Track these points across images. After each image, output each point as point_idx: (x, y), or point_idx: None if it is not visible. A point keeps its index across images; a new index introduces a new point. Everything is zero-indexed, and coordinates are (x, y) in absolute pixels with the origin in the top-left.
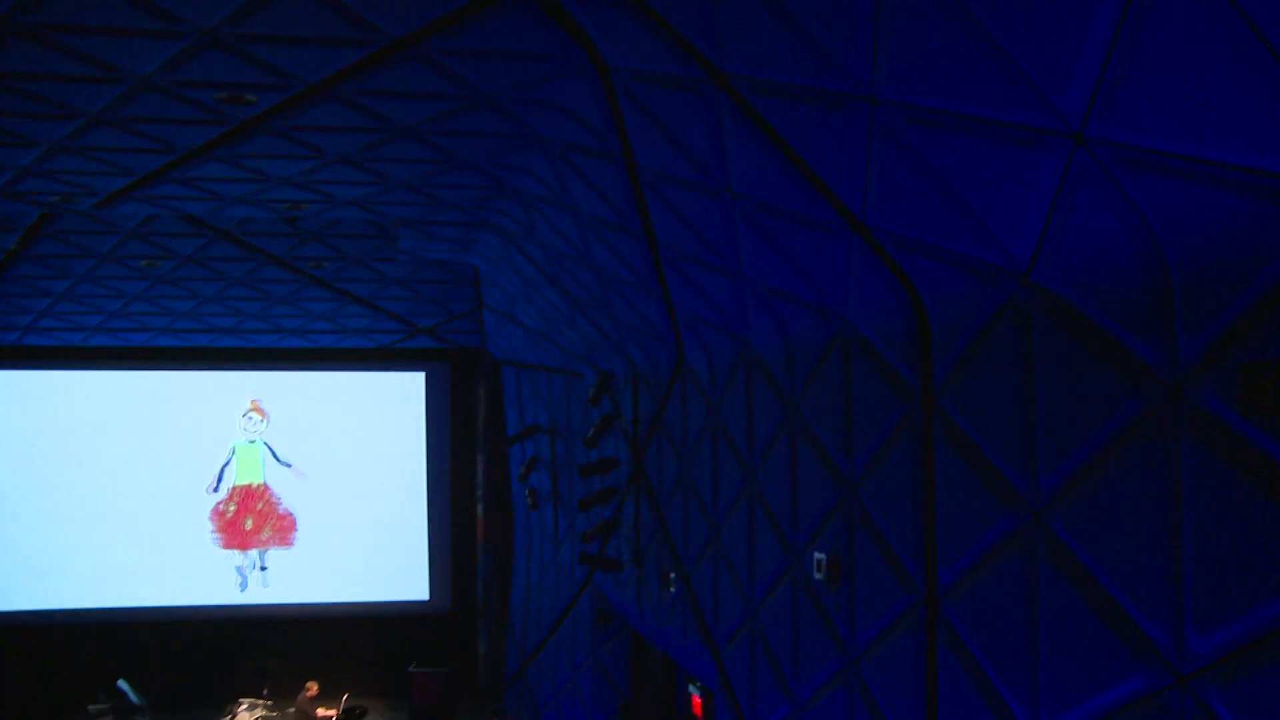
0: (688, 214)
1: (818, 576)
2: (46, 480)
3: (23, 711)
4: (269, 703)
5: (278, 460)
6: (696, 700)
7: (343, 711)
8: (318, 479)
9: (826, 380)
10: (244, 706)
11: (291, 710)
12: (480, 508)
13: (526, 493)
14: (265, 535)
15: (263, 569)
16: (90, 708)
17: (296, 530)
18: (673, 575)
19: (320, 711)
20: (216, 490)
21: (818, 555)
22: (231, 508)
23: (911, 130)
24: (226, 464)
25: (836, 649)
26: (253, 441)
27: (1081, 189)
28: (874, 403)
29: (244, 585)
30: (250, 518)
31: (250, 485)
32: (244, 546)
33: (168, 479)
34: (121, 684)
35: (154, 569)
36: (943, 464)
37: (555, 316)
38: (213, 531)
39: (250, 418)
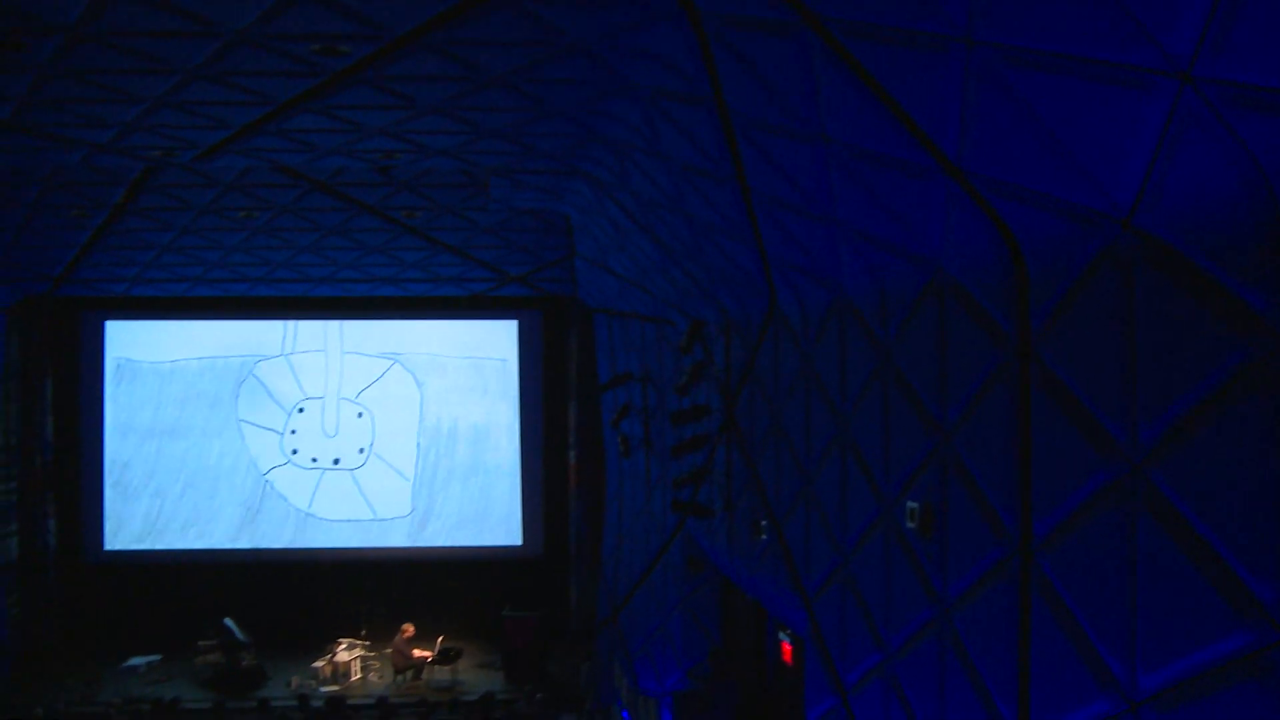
0: (781, 160)
1: (910, 526)
2: (155, 426)
3: (139, 646)
4: (367, 643)
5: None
6: (786, 648)
7: (438, 653)
8: (414, 427)
9: (921, 328)
10: (343, 646)
11: (388, 651)
12: (573, 455)
13: (619, 440)
14: None
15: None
16: (200, 643)
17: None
18: (764, 523)
19: (416, 652)
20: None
21: (910, 504)
22: None
23: (1010, 72)
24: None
25: (928, 599)
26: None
27: (1189, 130)
28: (969, 350)
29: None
30: None
31: None
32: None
33: (269, 425)
34: (228, 622)
35: (256, 512)
36: (1039, 413)
37: (647, 264)
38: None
39: None
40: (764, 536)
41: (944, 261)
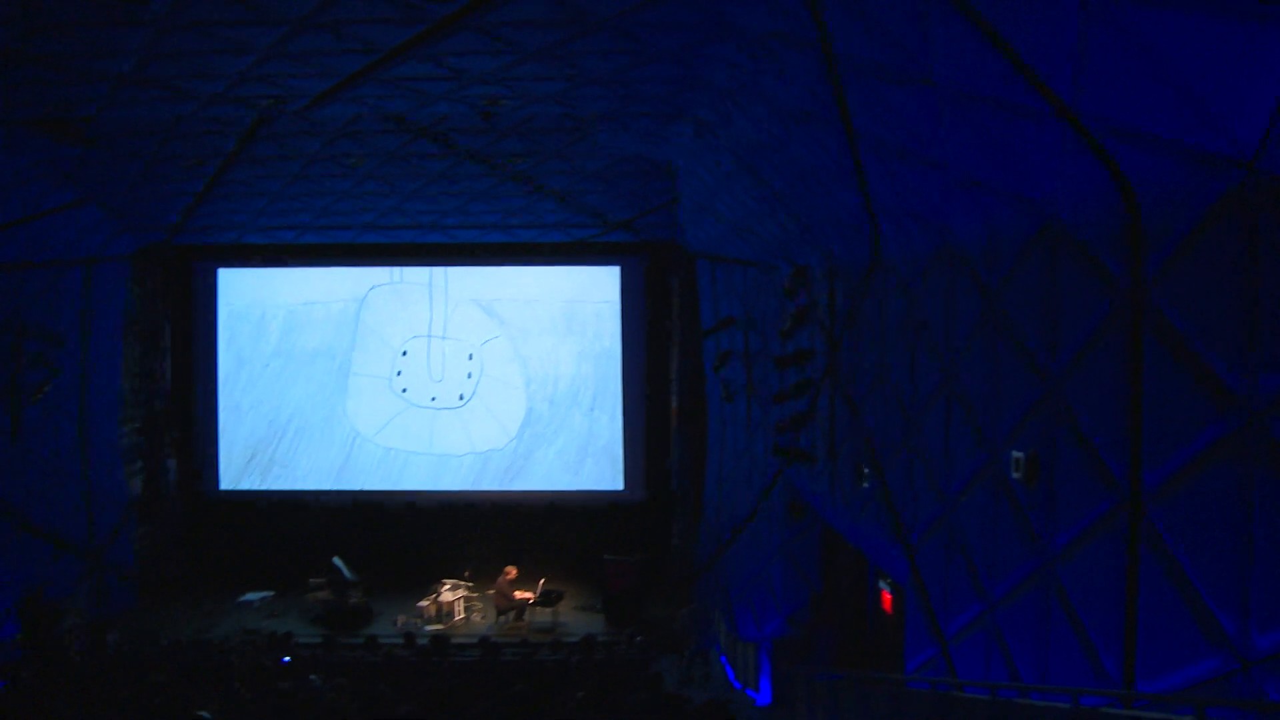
0: (888, 103)
1: (1016, 475)
2: (266, 370)
3: (254, 582)
4: (470, 584)
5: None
6: (887, 596)
7: (539, 595)
8: (516, 371)
9: (1030, 274)
10: (447, 586)
11: (491, 592)
12: (674, 400)
13: (721, 385)
14: None
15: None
16: (311, 581)
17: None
18: (866, 469)
19: (518, 594)
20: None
21: (1016, 454)
22: None
23: (1128, 8)
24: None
25: (1033, 549)
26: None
27: None
28: (1080, 297)
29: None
30: None
31: None
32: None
33: (376, 369)
34: (336, 561)
35: (364, 454)
36: (1152, 362)
37: (751, 209)
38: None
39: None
40: (866, 483)
41: (1055, 207)
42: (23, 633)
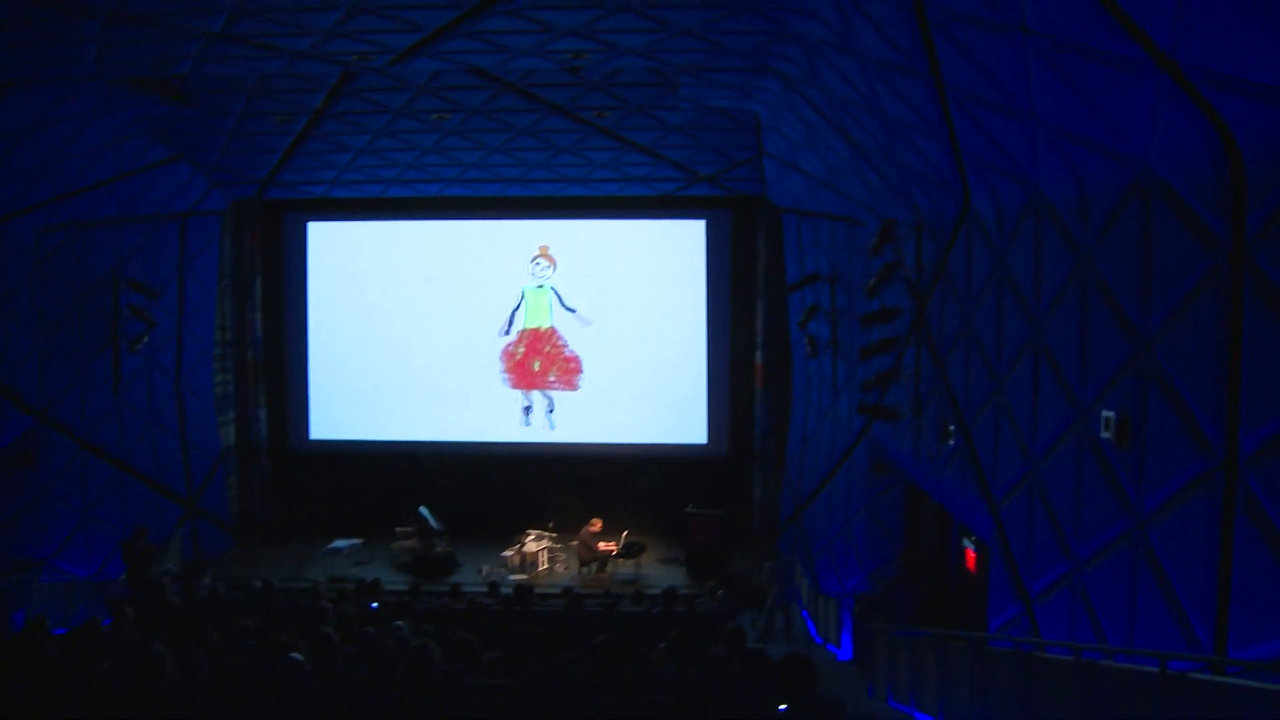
0: (978, 54)
1: (1105, 435)
2: (353, 323)
3: (343, 529)
4: (554, 535)
5: (564, 306)
6: (970, 554)
7: (622, 547)
8: (602, 324)
9: (1123, 229)
10: (531, 537)
11: (574, 543)
12: (759, 355)
13: (806, 341)
14: (552, 377)
15: (550, 410)
16: (398, 529)
17: (582, 373)
18: (952, 427)
19: (601, 546)
20: (508, 333)
21: (1106, 413)
22: (521, 350)
23: None
24: (517, 308)
25: (1122, 511)
26: (541, 286)
27: None
28: (1176, 254)
29: (527, 410)
30: (538, 360)
31: (538, 329)
32: (532, 387)
33: (462, 321)
34: (423, 510)
35: (451, 406)
36: (1253, 321)
37: (838, 163)
38: (503, 372)
39: (539, 263)
40: (951, 441)
41: (1150, 159)
42: (125, 574)
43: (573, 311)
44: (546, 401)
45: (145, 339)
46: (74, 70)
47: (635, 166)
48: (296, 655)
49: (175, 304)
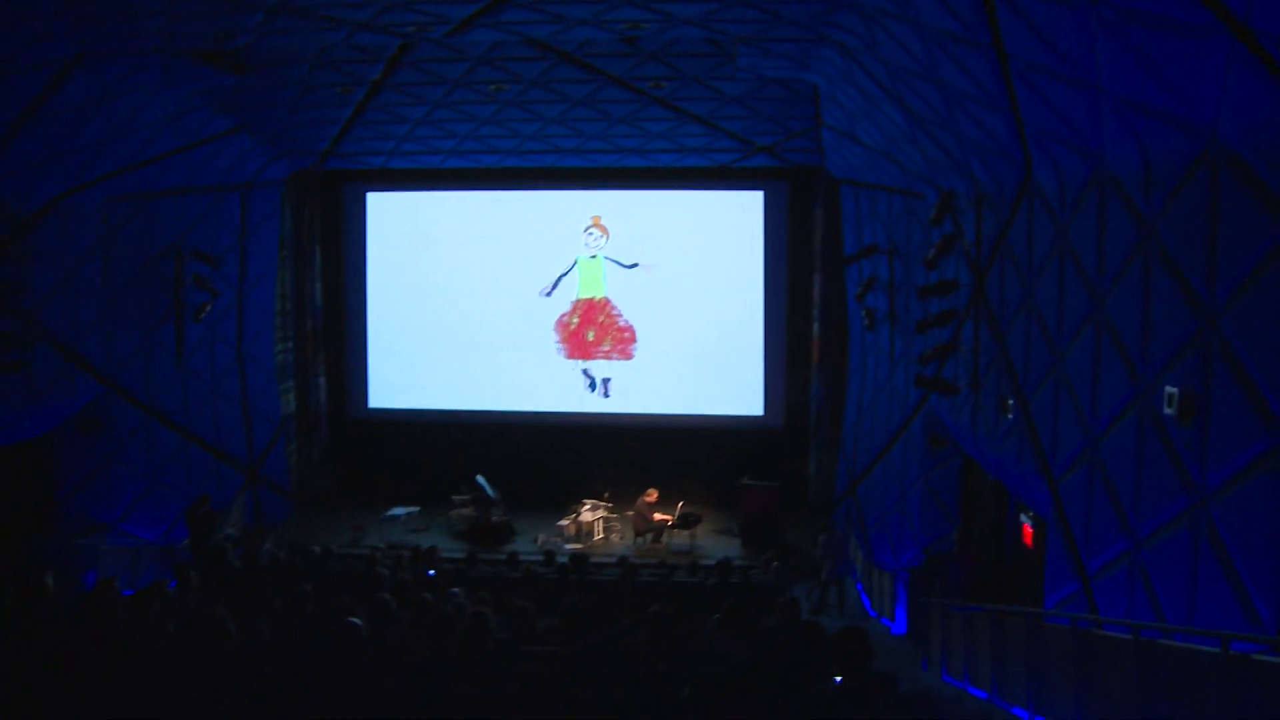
0: (1040, 22)
1: (1168, 411)
2: (412, 292)
3: (400, 497)
4: (610, 505)
5: (622, 265)
6: (1027, 529)
7: (678, 517)
8: (657, 295)
9: (1189, 201)
10: (587, 507)
11: (630, 513)
12: (816, 327)
13: (863, 313)
14: (606, 347)
15: (605, 380)
16: (455, 497)
17: (636, 343)
18: (1010, 401)
19: (657, 516)
20: (550, 294)
21: (1169, 389)
22: (575, 320)
23: None
24: (565, 273)
25: (1183, 488)
26: (594, 256)
27: None
28: (1244, 227)
29: (591, 386)
30: (592, 330)
31: (592, 299)
32: (586, 357)
33: (517, 291)
34: (480, 479)
35: (506, 376)
36: None
37: (896, 134)
38: (557, 342)
39: (592, 233)
40: (1009, 415)
41: (1219, 130)
42: (189, 539)
43: (633, 266)
44: (602, 373)
45: (208, 308)
46: (140, 43)
47: (692, 137)
48: (355, 620)
49: (237, 274)
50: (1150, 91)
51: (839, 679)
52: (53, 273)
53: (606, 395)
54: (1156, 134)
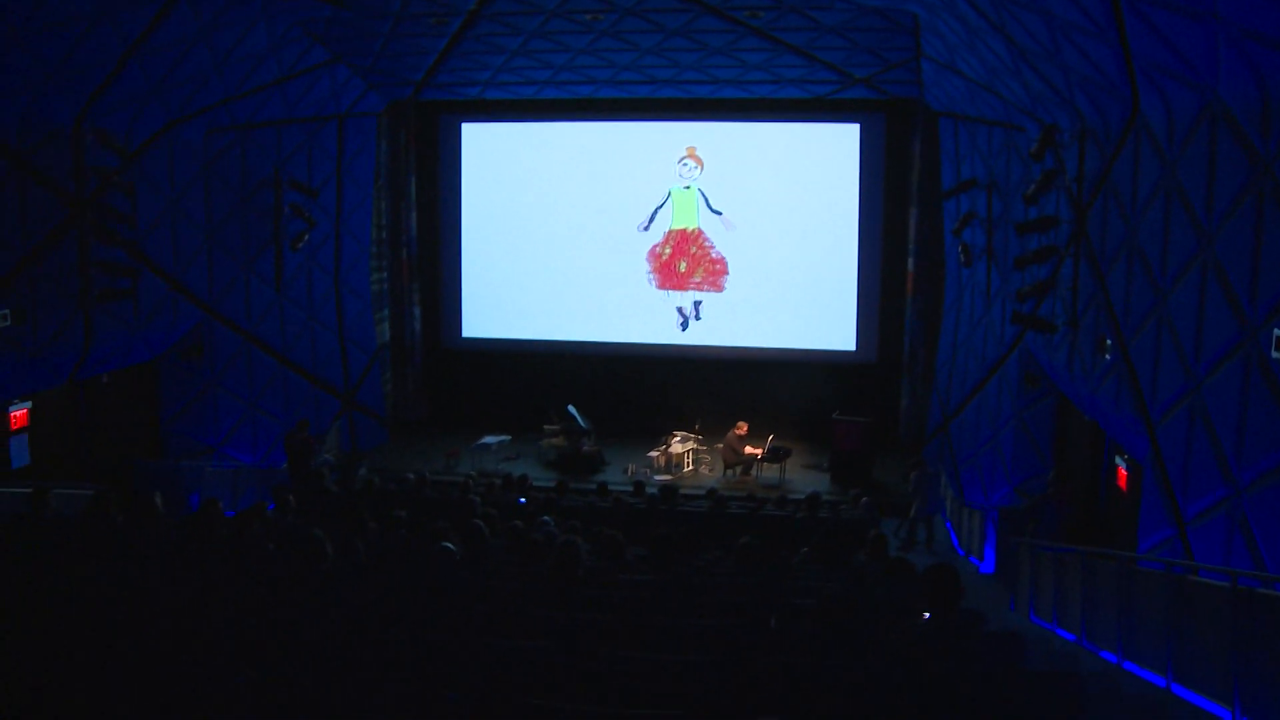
0: None
1: (1276, 355)
2: (506, 223)
3: (492, 426)
4: (700, 437)
5: (710, 208)
6: (1122, 473)
7: (767, 451)
8: (750, 228)
9: None
10: (677, 438)
11: (719, 446)
12: (911, 262)
13: (960, 248)
14: (698, 278)
15: (696, 303)
16: (546, 427)
17: (728, 275)
18: (1109, 341)
19: (747, 449)
20: (647, 229)
21: (1278, 331)
22: (667, 251)
23: None
24: (660, 206)
25: None
26: (688, 187)
27: None
28: None
29: (684, 326)
30: (684, 261)
31: (684, 230)
32: (678, 288)
33: (610, 222)
34: (571, 409)
35: (599, 306)
36: None
37: (998, 66)
38: (649, 273)
39: (687, 164)
40: (1108, 355)
41: None
42: (287, 463)
43: (719, 214)
44: (693, 303)
45: (306, 238)
46: None
47: (789, 69)
48: (449, 545)
49: (334, 204)
50: (1272, 21)
51: (927, 615)
52: (157, 204)
53: (698, 318)
54: (1276, 66)
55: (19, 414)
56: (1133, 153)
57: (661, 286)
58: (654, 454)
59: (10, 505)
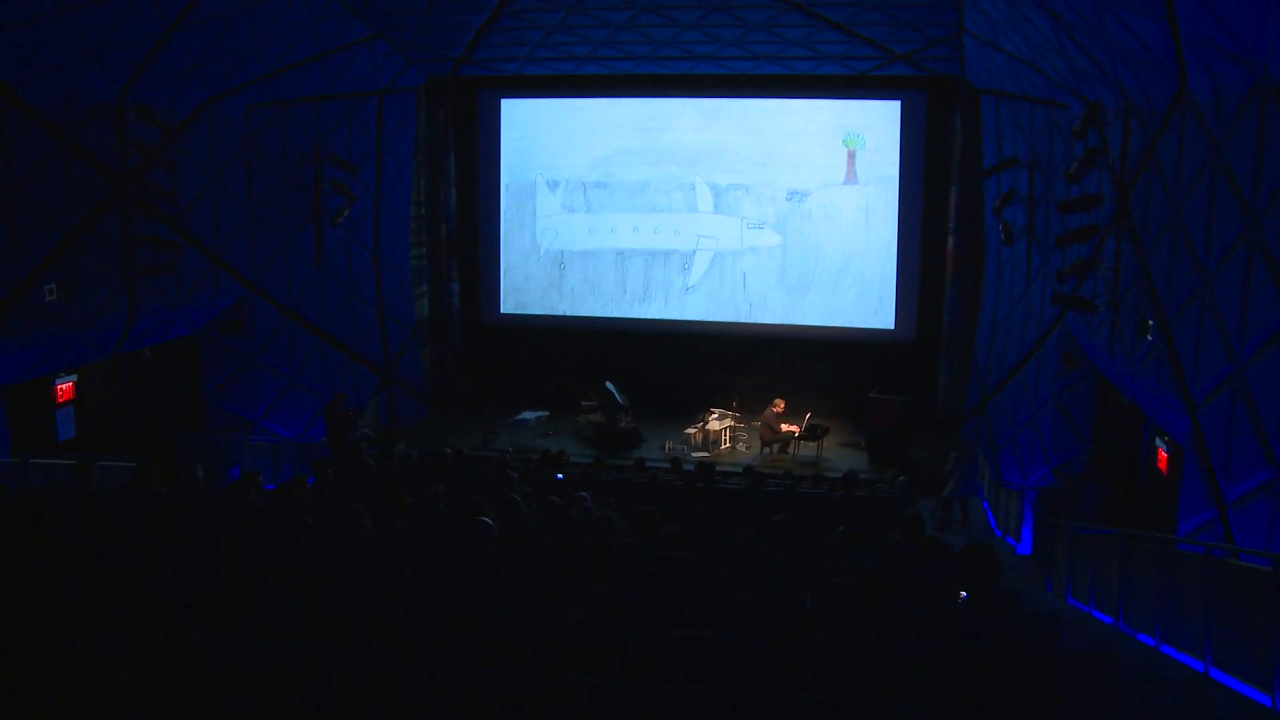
0: None
1: None
2: (547, 200)
3: (530, 402)
4: (737, 415)
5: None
6: (1163, 455)
7: (804, 428)
8: (789, 204)
9: None
10: (714, 416)
11: (757, 423)
12: (951, 241)
13: (1000, 227)
14: None
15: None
16: (583, 403)
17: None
18: (1151, 322)
19: (784, 427)
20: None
21: None
22: None
23: None
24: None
25: None
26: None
27: None
28: None
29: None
30: None
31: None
32: None
33: (648, 198)
34: (609, 385)
35: (639, 284)
36: None
37: (1041, 42)
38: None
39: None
40: (1149, 337)
41: None
42: (326, 437)
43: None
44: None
45: (345, 213)
46: None
47: (829, 45)
48: (486, 519)
49: (373, 179)
50: None
51: (964, 595)
52: (199, 179)
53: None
54: None
55: (65, 387)
56: (1178, 130)
57: None
58: (691, 431)
59: (55, 477)
